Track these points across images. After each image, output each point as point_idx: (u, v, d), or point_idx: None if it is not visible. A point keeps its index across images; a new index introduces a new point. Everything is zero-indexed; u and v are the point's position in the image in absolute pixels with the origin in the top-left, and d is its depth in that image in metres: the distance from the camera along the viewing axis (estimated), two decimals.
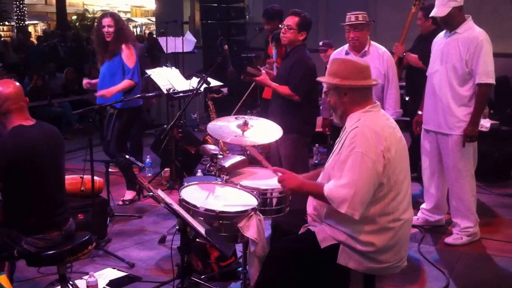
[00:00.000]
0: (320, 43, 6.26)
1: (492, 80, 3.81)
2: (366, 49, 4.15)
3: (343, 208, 2.40)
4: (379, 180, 2.41)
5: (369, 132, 2.42)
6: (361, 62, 2.64)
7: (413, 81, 5.23)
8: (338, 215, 2.46)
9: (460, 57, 3.83)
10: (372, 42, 4.20)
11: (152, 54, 9.32)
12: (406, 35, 5.08)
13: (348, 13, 4.16)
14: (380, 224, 2.47)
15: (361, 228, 2.46)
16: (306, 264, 2.60)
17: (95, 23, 4.92)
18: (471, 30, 3.84)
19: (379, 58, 4.14)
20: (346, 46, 4.30)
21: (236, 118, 3.38)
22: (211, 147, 3.87)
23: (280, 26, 4.11)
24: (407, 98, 5.56)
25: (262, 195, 3.01)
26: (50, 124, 3.03)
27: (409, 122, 4.65)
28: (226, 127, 3.30)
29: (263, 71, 4.09)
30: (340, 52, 4.34)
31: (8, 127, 2.82)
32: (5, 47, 12.21)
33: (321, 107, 4.67)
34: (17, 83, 2.92)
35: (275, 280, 2.60)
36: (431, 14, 3.98)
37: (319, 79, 2.78)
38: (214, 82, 5.31)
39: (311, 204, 2.72)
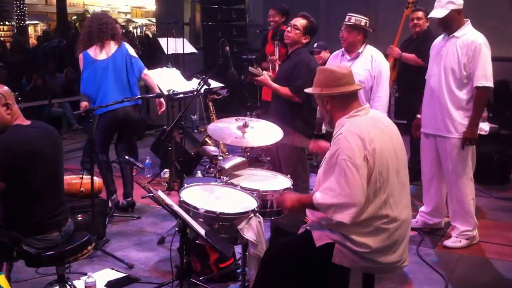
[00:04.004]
0: (315, 45, 6.26)
1: (490, 84, 3.82)
2: (359, 51, 4.18)
3: (329, 213, 2.44)
4: (367, 182, 2.42)
5: (352, 138, 2.44)
6: (341, 69, 2.66)
7: (407, 82, 5.28)
8: None
9: (458, 60, 3.84)
10: (369, 46, 4.24)
11: (155, 56, 9.34)
12: (400, 37, 5.12)
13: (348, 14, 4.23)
14: (374, 226, 2.48)
15: (355, 230, 2.47)
16: (303, 263, 2.61)
17: (104, 21, 4.64)
18: (470, 34, 3.86)
19: (370, 60, 4.15)
20: (343, 48, 4.37)
21: (236, 119, 3.39)
22: (212, 149, 3.88)
23: (284, 25, 4.13)
24: (397, 94, 5.65)
25: (262, 196, 3.01)
26: (47, 124, 3.03)
27: (407, 125, 4.67)
28: (226, 128, 3.31)
29: (264, 72, 4.10)
30: (337, 54, 4.41)
31: (8, 125, 2.82)
32: (3, 47, 12.20)
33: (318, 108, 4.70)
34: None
35: (272, 280, 2.62)
36: (430, 15, 4.01)
37: (305, 90, 2.83)
38: (214, 84, 5.32)
39: None
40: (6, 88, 2.85)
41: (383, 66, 4.16)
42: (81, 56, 4.60)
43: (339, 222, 2.44)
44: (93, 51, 4.57)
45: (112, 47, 4.60)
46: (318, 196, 2.49)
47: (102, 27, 4.58)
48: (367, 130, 2.47)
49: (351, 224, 2.42)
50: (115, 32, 4.67)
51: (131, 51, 4.76)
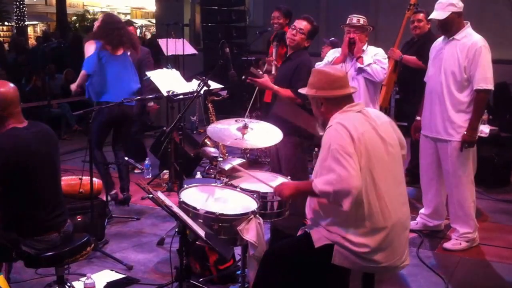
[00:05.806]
0: (332, 38, 6.31)
1: (490, 86, 3.82)
2: (363, 48, 4.27)
3: (330, 199, 2.44)
4: (360, 167, 2.42)
5: (341, 128, 2.48)
6: (336, 72, 2.68)
7: (408, 84, 5.29)
8: (333, 216, 2.51)
9: (458, 63, 3.84)
10: (369, 46, 4.32)
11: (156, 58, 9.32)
12: (401, 39, 5.13)
13: (350, 15, 4.25)
14: (369, 225, 2.48)
15: (353, 230, 2.48)
16: (302, 265, 2.61)
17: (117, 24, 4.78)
18: (470, 37, 3.86)
19: (372, 57, 4.27)
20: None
21: (236, 121, 3.38)
22: (211, 150, 3.87)
23: (288, 27, 4.14)
24: (397, 96, 5.66)
25: (262, 198, 3.01)
26: (43, 124, 3.02)
27: (408, 127, 4.67)
28: (226, 130, 3.30)
29: (265, 74, 4.11)
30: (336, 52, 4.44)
31: (2, 129, 2.80)
32: (2, 48, 12.19)
33: None
34: (13, 85, 2.90)
35: (272, 282, 2.62)
36: (430, 17, 4.02)
37: (299, 90, 2.83)
38: (214, 85, 5.31)
39: (309, 207, 2.74)
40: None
41: (384, 59, 4.31)
42: (93, 43, 4.57)
43: (340, 218, 2.44)
44: (109, 47, 4.62)
45: (127, 49, 4.75)
46: (317, 183, 2.49)
47: (119, 32, 4.66)
48: (354, 124, 2.50)
49: (350, 222, 2.42)
50: (133, 40, 4.82)
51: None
